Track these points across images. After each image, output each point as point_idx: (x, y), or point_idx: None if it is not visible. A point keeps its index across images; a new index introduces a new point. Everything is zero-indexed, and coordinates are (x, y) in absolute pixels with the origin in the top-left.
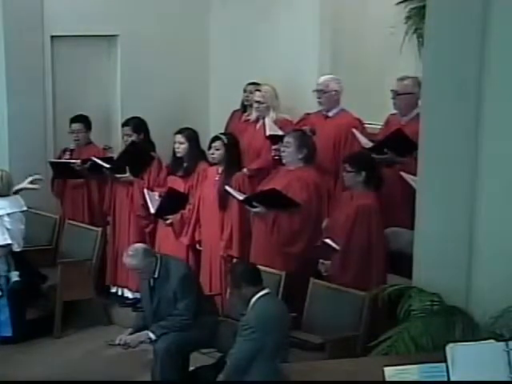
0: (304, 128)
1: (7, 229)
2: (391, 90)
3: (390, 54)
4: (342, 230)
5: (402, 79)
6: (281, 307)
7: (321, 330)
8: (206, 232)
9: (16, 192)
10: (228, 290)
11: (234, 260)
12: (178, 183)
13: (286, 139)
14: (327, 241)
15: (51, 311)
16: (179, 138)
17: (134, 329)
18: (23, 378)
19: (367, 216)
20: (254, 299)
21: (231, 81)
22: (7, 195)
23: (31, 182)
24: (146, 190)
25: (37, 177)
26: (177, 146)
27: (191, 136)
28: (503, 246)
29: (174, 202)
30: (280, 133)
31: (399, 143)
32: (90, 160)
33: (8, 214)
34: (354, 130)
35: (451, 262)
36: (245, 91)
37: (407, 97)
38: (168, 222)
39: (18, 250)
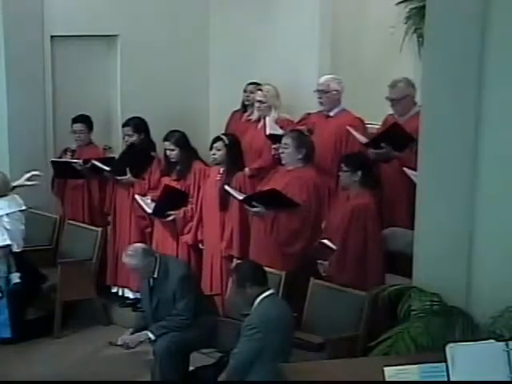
0: (301, 128)
1: (6, 229)
2: (387, 98)
3: (390, 54)
4: (338, 230)
5: (393, 85)
6: (284, 308)
7: (321, 330)
8: (207, 232)
9: (14, 188)
10: (228, 290)
11: (236, 260)
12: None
13: (283, 140)
14: (324, 241)
15: (51, 311)
16: (168, 145)
17: (134, 329)
18: (23, 378)
19: (363, 216)
20: (258, 299)
21: (231, 81)
22: (5, 195)
23: (29, 179)
24: (136, 196)
25: (34, 173)
26: (168, 152)
27: (179, 140)
28: (503, 246)
29: (173, 199)
30: (280, 132)
31: (396, 137)
32: (91, 162)
33: (7, 214)
34: (349, 128)
35: (451, 262)
36: (245, 91)
37: (404, 100)
38: (170, 218)
39: (18, 250)
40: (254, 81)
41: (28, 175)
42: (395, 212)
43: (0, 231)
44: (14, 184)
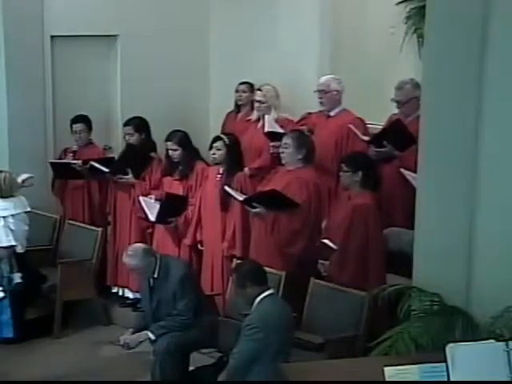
0: (302, 128)
1: (11, 230)
2: (393, 100)
3: (390, 53)
4: (339, 230)
5: (400, 87)
6: (285, 308)
7: (321, 329)
8: (208, 232)
9: None
10: (229, 290)
11: (238, 260)
12: (175, 185)
13: (284, 140)
14: (325, 241)
15: (51, 311)
16: (171, 145)
17: (135, 329)
18: (23, 378)
19: (364, 216)
20: (258, 299)
21: (231, 81)
22: (11, 196)
23: (23, 182)
24: (141, 198)
25: (25, 176)
26: (170, 152)
27: (182, 140)
28: (503, 245)
29: (174, 205)
30: (279, 130)
31: (398, 135)
32: (90, 163)
33: (12, 215)
34: (351, 126)
35: (451, 261)
36: (237, 91)
37: (410, 103)
38: (172, 225)
39: (22, 251)
40: (246, 80)
41: (24, 176)
42: (393, 212)
43: (5, 232)
44: None
